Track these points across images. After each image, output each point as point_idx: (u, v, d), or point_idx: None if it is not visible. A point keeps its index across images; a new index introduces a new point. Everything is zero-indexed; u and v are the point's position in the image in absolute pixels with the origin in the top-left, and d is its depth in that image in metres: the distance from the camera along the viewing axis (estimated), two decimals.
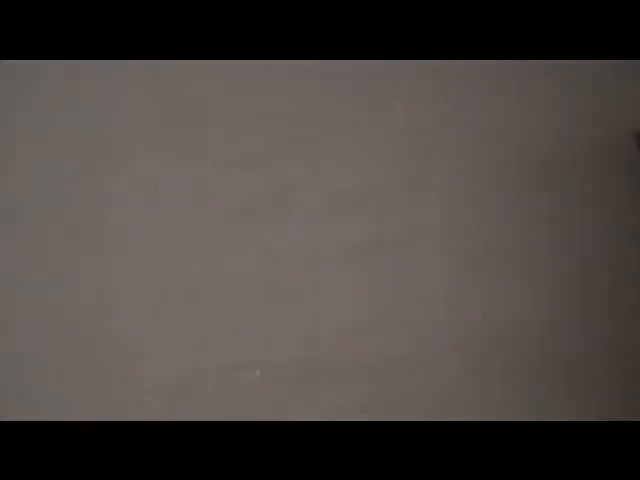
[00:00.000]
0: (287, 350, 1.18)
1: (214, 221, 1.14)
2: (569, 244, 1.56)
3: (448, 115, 1.39)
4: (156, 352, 1.11)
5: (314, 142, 1.23)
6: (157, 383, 1.11)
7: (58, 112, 1.15)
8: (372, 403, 1.23)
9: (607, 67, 1.62)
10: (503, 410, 1.39)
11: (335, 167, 1.25)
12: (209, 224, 1.14)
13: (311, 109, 1.22)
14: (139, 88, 1.14)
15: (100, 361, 1.12)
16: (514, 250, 1.48)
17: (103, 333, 1.12)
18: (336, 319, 1.23)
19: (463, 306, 1.39)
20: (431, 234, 1.36)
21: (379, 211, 1.30)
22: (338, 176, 1.25)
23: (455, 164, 1.40)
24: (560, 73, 1.55)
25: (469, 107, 1.42)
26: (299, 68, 1.20)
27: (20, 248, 1.14)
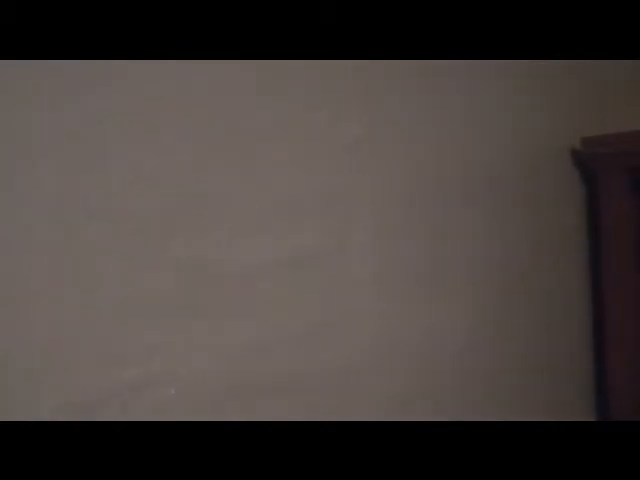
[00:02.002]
0: (205, 367, 1.14)
1: (128, 234, 1.08)
2: (499, 259, 1.56)
3: (377, 126, 1.35)
4: (64, 369, 1.03)
5: (237, 155, 1.19)
6: (64, 401, 1.03)
7: None
8: (294, 418, 1.19)
9: (544, 84, 1.63)
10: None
11: (258, 180, 1.21)
12: (124, 237, 1.08)
13: (235, 120, 1.18)
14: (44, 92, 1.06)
15: None
16: (442, 265, 1.46)
17: (3, 349, 1.02)
18: (257, 335, 1.19)
19: (387, 321, 1.36)
20: (357, 247, 1.33)
21: (304, 224, 1.26)
22: (261, 189, 1.21)
23: (383, 176, 1.36)
24: (496, 89, 1.54)
25: (399, 119, 1.39)
26: (227, 71, 1.16)
27: None
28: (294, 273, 1.24)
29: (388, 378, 1.35)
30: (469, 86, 1.49)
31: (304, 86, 1.26)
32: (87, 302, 1.04)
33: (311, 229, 1.27)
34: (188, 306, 1.13)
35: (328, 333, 1.28)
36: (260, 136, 1.21)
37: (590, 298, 1.76)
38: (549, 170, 1.70)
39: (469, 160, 1.51)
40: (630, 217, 1.70)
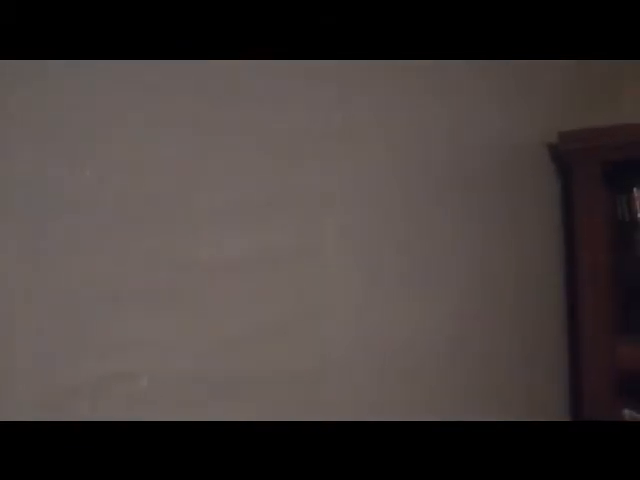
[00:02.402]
0: (177, 361, 1.11)
1: (100, 228, 1.05)
2: (476, 253, 1.56)
3: (352, 123, 1.34)
4: (35, 362, 1.00)
5: (206, 149, 1.16)
6: (36, 395, 1.00)
7: None
8: (263, 416, 1.17)
9: (522, 80, 1.63)
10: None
11: (231, 175, 1.19)
12: (96, 231, 1.05)
13: (203, 113, 1.15)
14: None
15: None
16: (419, 261, 1.45)
17: None
18: (230, 330, 1.17)
19: (363, 318, 1.35)
20: (333, 244, 1.31)
21: (278, 220, 1.24)
22: (231, 184, 1.19)
23: (360, 173, 1.35)
24: (473, 85, 1.53)
25: (374, 116, 1.37)
26: (195, 71, 1.13)
27: None
28: (269, 269, 1.22)
29: (363, 377, 1.35)
30: (446, 82, 1.48)
31: (274, 82, 1.24)
32: (60, 296, 1.01)
33: (286, 225, 1.25)
34: (161, 300, 1.11)
35: (303, 330, 1.27)
36: (234, 132, 1.19)
37: (565, 289, 1.79)
38: (526, 164, 1.71)
39: (447, 155, 1.51)
40: (604, 210, 1.72)
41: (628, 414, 1.69)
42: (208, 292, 1.16)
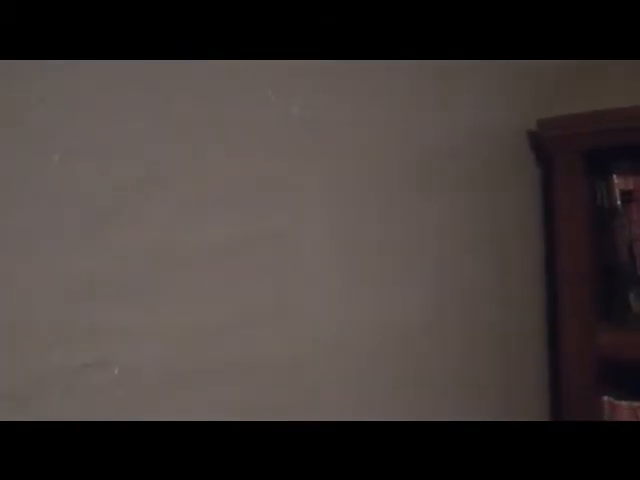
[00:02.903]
0: (146, 351, 1.09)
1: (69, 215, 1.03)
2: (455, 242, 1.55)
3: (326, 109, 1.32)
4: (2, 352, 0.98)
5: (182, 135, 1.14)
6: (1, 386, 0.98)
7: None
8: (244, 406, 1.16)
9: (500, 67, 1.62)
10: (385, 411, 1.37)
11: (202, 162, 1.17)
12: (63, 218, 1.02)
13: (176, 103, 1.13)
14: None
15: None
16: (396, 249, 1.44)
17: None
18: (202, 320, 1.15)
19: (341, 307, 1.34)
20: (311, 230, 1.30)
21: (252, 208, 1.22)
22: (209, 170, 1.17)
23: (335, 159, 1.33)
24: (451, 71, 1.52)
25: (348, 101, 1.36)
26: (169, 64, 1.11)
27: None
28: (244, 257, 1.21)
29: (341, 369, 1.34)
30: (423, 68, 1.46)
31: (248, 69, 1.22)
32: (28, 286, 0.99)
33: (262, 214, 1.24)
34: (133, 289, 1.09)
35: (280, 317, 1.25)
36: (206, 119, 1.18)
37: (545, 277, 1.79)
38: (506, 152, 1.70)
39: (425, 142, 1.49)
40: (583, 196, 1.72)
41: (608, 401, 1.70)
42: (182, 280, 1.14)
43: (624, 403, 1.68)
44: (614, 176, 1.71)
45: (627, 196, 1.71)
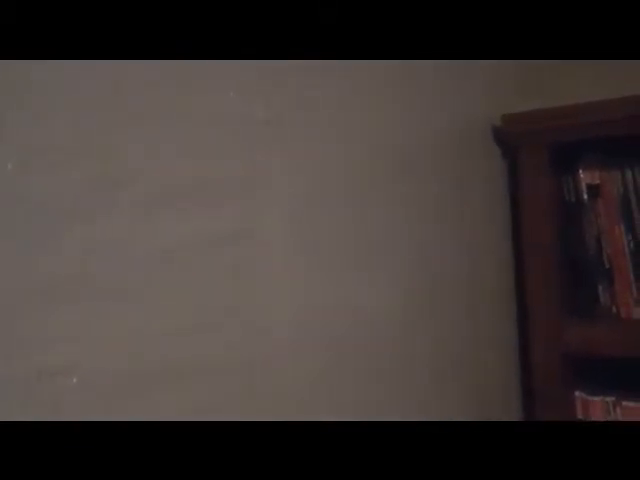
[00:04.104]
0: (108, 356, 1.06)
1: (28, 218, 0.99)
2: (421, 238, 1.54)
3: (288, 107, 1.30)
4: None
5: (144, 133, 1.11)
6: None
7: None
8: (210, 407, 1.13)
9: (463, 62, 1.59)
10: (357, 410, 1.34)
11: (167, 159, 1.14)
12: (22, 221, 0.99)
13: (133, 99, 1.10)
14: None
15: None
16: (363, 246, 1.42)
17: None
18: (164, 322, 1.12)
19: (302, 304, 1.31)
20: (272, 231, 1.27)
21: (210, 208, 1.19)
22: (167, 170, 1.14)
23: (297, 156, 1.31)
24: (416, 67, 1.50)
25: (313, 100, 1.34)
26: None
27: None
28: (206, 257, 1.18)
29: (308, 364, 1.31)
30: (387, 65, 1.44)
31: (212, 68, 1.19)
32: None
33: (223, 212, 1.21)
34: (93, 292, 1.05)
35: (244, 318, 1.23)
36: (165, 117, 1.15)
37: (513, 272, 1.79)
38: (471, 147, 1.70)
39: (391, 139, 1.48)
40: (550, 191, 1.72)
41: (580, 396, 1.69)
42: (142, 282, 1.11)
43: (596, 398, 1.68)
44: (580, 170, 1.71)
45: (594, 190, 1.70)
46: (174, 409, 1.10)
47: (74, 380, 1.03)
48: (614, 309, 1.68)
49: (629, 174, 1.67)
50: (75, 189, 1.05)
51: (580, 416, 1.68)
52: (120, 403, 1.07)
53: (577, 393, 1.69)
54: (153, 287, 1.12)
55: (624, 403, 1.64)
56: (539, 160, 1.69)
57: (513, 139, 1.72)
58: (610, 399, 1.66)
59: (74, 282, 1.05)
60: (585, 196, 1.71)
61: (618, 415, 1.64)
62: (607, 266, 1.69)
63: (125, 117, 1.10)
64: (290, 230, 1.30)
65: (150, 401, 1.10)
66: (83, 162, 1.06)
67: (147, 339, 1.11)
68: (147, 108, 1.12)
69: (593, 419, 1.66)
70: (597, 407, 1.67)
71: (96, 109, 1.07)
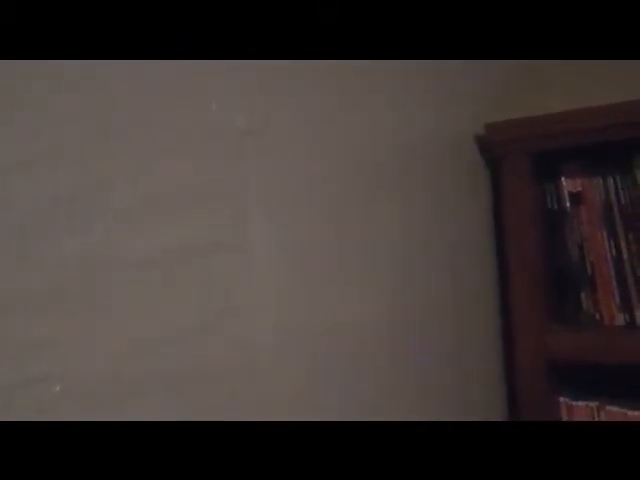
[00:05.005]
0: (90, 365, 1.05)
1: (5, 226, 0.98)
2: (405, 245, 1.54)
3: (271, 116, 1.29)
4: None
5: (123, 141, 1.10)
6: None
7: None
8: (193, 416, 1.13)
9: (447, 70, 1.62)
10: (338, 412, 1.33)
11: (146, 170, 1.13)
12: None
13: (111, 110, 1.09)
14: None
15: None
16: (346, 254, 1.42)
17: None
18: (147, 329, 1.12)
19: (285, 314, 1.30)
20: (250, 239, 1.26)
21: (191, 217, 1.19)
22: (149, 178, 1.13)
23: (280, 168, 1.31)
24: (400, 74, 1.51)
25: (293, 108, 1.34)
26: (100, 67, 1.07)
27: None
28: (188, 266, 1.17)
29: (292, 374, 1.31)
30: (371, 71, 1.46)
31: (192, 78, 1.19)
32: None
33: (205, 220, 1.19)
34: (73, 301, 1.04)
35: (226, 327, 1.22)
36: (148, 128, 1.15)
37: (497, 280, 1.80)
38: (455, 156, 1.71)
39: (375, 147, 1.49)
40: (533, 199, 1.73)
41: (564, 402, 1.70)
42: (124, 291, 1.11)
43: (581, 404, 1.69)
44: (563, 178, 1.73)
45: (576, 198, 1.72)
46: (157, 418, 1.09)
47: (57, 388, 1.03)
48: (597, 316, 1.70)
49: (610, 181, 1.68)
50: (46, 201, 1.03)
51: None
52: (103, 411, 1.07)
53: (561, 399, 1.71)
54: (135, 297, 1.12)
55: (608, 408, 1.65)
56: (522, 168, 1.70)
57: (495, 147, 1.73)
58: (594, 404, 1.67)
59: (56, 291, 1.04)
60: (568, 204, 1.72)
61: (602, 420, 1.66)
62: (590, 273, 1.70)
63: (102, 127, 1.09)
64: (274, 242, 1.30)
65: (133, 410, 1.10)
66: (60, 174, 1.05)
67: (130, 348, 1.10)
68: (126, 118, 1.12)
69: None
70: (581, 412, 1.68)
71: (74, 120, 1.06)
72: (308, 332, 1.33)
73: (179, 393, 1.15)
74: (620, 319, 1.67)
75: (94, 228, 1.08)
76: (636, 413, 1.61)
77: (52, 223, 1.03)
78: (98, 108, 1.09)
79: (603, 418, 1.65)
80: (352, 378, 1.40)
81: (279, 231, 1.31)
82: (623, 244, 1.67)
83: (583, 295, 1.71)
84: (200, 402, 1.18)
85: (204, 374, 1.18)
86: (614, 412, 1.64)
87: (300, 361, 1.32)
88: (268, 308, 1.28)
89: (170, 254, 1.16)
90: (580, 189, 1.72)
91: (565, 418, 1.69)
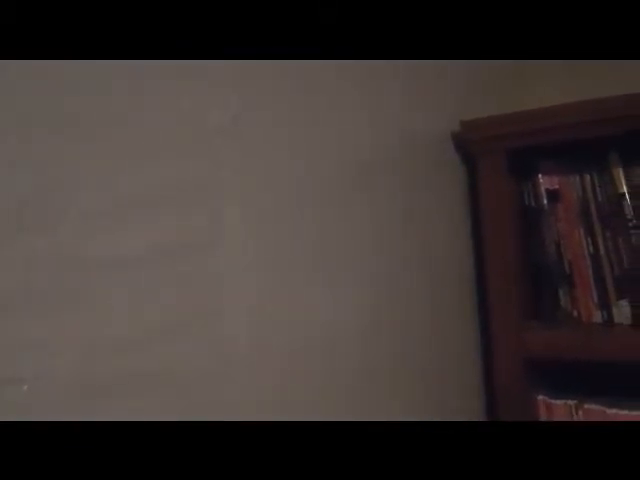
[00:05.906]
0: (59, 365, 1.03)
1: None
2: (382, 244, 1.53)
3: (242, 115, 1.27)
4: None
5: (92, 140, 1.08)
6: None
7: None
8: (165, 418, 1.10)
9: (423, 68, 1.61)
10: (313, 413, 1.30)
11: (117, 168, 1.11)
12: None
13: (85, 110, 1.07)
14: None
15: None
16: (324, 253, 1.40)
17: None
18: (119, 330, 1.10)
19: (259, 316, 1.28)
20: (225, 239, 1.24)
21: (163, 217, 1.16)
22: (120, 178, 1.11)
23: (258, 167, 1.29)
24: (376, 73, 1.50)
25: (271, 104, 1.32)
26: (75, 69, 1.05)
27: None
28: (160, 267, 1.14)
29: (266, 376, 1.28)
30: (347, 70, 1.44)
31: (163, 78, 1.16)
32: None
33: (177, 221, 1.17)
34: (46, 301, 1.01)
35: (200, 328, 1.19)
36: (120, 126, 1.13)
37: (475, 278, 1.79)
38: (430, 154, 1.70)
39: (353, 147, 1.47)
40: (510, 197, 1.73)
41: (543, 400, 1.70)
42: (97, 293, 1.08)
43: (559, 401, 1.69)
44: (540, 175, 1.73)
45: (553, 195, 1.72)
46: (126, 419, 1.07)
47: (25, 388, 1.01)
48: (575, 313, 1.70)
49: (587, 178, 1.69)
50: (23, 200, 1.02)
51: (543, 419, 1.69)
52: (72, 411, 1.05)
53: (540, 397, 1.70)
54: (107, 298, 1.09)
55: (586, 406, 1.65)
56: (498, 166, 1.70)
57: (471, 145, 1.73)
58: (572, 402, 1.67)
59: (24, 292, 1.02)
60: (545, 201, 1.72)
61: (580, 417, 1.65)
62: (567, 270, 1.70)
63: (74, 125, 1.08)
64: (250, 242, 1.28)
65: (103, 411, 1.08)
66: (31, 174, 1.03)
67: (102, 349, 1.08)
68: (99, 115, 1.10)
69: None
70: (560, 410, 1.68)
71: (44, 118, 1.04)
72: (285, 333, 1.32)
73: (150, 396, 1.13)
74: (598, 316, 1.67)
75: (63, 228, 1.06)
76: (614, 410, 1.61)
77: (23, 223, 1.02)
78: (66, 108, 1.07)
79: (582, 416, 1.65)
80: (329, 378, 1.39)
81: (254, 231, 1.29)
82: (600, 241, 1.67)
83: (561, 292, 1.71)
84: (173, 405, 1.16)
85: (176, 375, 1.17)
86: (593, 410, 1.64)
87: (276, 362, 1.30)
88: (244, 308, 1.27)
89: (142, 254, 1.14)
90: (557, 186, 1.72)
91: (544, 416, 1.69)
